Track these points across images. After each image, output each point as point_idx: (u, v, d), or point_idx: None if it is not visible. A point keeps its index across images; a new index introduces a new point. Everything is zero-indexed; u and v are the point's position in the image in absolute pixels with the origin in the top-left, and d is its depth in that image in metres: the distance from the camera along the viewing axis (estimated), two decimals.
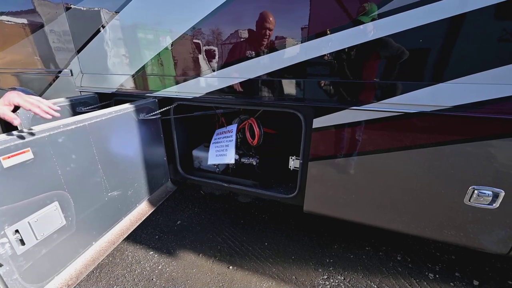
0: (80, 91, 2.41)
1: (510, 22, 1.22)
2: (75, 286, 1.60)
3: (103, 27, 2.08)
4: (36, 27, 2.38)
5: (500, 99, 1.30)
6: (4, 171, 1.20)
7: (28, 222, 1.32)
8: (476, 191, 1.50)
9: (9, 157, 1.21)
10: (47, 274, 1.48)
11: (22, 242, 1.31)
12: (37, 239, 1.37)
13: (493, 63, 1.28)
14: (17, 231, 1.28)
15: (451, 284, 2.02)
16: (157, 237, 2.55)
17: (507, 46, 1.25)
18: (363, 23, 1.43)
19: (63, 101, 2.07)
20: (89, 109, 2.21)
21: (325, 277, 2.10)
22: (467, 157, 1.47)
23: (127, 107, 1.86)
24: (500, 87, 1.29)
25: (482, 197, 1.50)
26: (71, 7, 2.12)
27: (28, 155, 1.29)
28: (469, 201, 1.53)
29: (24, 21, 2.45)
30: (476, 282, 2.02)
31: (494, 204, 1.49)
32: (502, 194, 1.45)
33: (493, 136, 1.39)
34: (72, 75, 2.40)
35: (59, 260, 1.54)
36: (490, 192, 1.48)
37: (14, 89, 2.61)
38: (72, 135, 1.50)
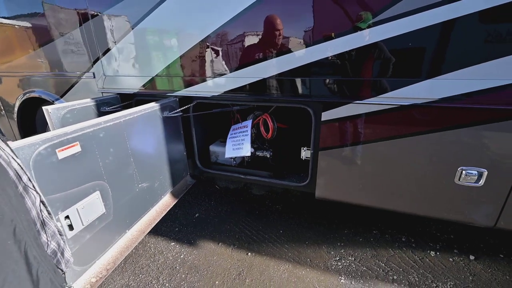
0: (102, 92, 2.56)
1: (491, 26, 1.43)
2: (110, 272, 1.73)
3: (126, 33, 2.24)
4: (62, 33, 2.53)
5: (478, 91, 1.51)
6: (59, 162, 1.36)
7: (77, 209, 1.47)
8: (464, 171, 1.69)
9: (62, 150, 1.37)
10: (90, 258, 1.63)
11: (71, 227, 1.45)
12: (83, 225, 1.52)
13: (469, 62, 1.49)
14: (67, 217, 1.43)
15: (450, 259, 2.21)
16: (177, 229, 2.69)
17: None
18: (361, 29, 1.64)
19: (89, 101, 2.22)
20: (113, 108, 2.35)
21: (337, 258, 2.26)
22: (455, 142, 1.67)
23: (153, 106, 2.02)
24: (480, 82, 1.50)
25: (469, 176, 1.69)
26: (97, 15, 2.29)
27: (77, 148, 1.44)
28: (459, 180, 1.72)
29: (51, 27, 2.58)
30: (472, 257, 2.22)
31: (479, 182, 1.68)
32: (486, 173, 1.64)
33: (475, 123, 1.58)
34: (94, 77, 2.55)
35: (99, 245, 1.69)
36: (475, 172, 1.67)
37: None
38: (111, 130, 1.65)
